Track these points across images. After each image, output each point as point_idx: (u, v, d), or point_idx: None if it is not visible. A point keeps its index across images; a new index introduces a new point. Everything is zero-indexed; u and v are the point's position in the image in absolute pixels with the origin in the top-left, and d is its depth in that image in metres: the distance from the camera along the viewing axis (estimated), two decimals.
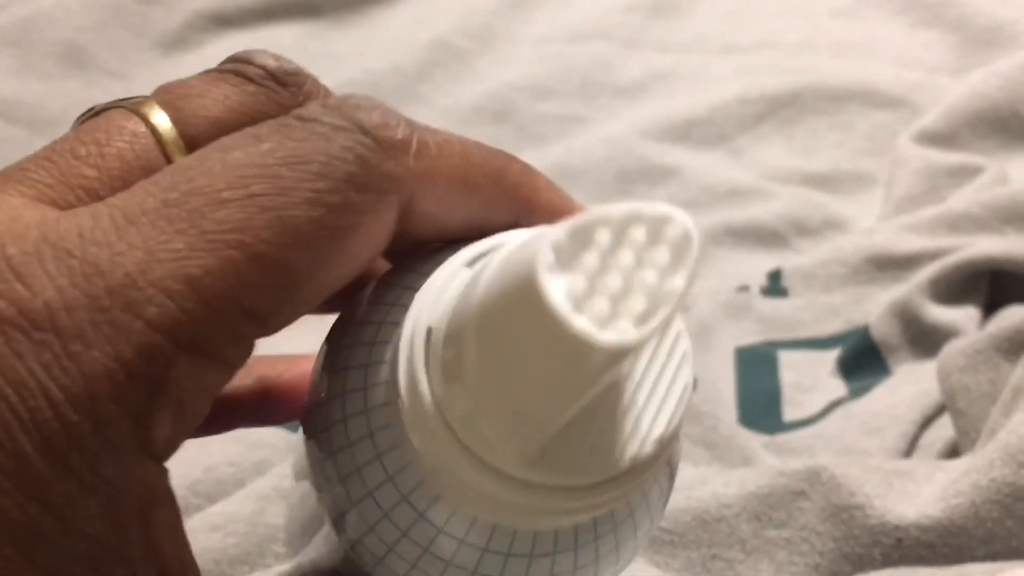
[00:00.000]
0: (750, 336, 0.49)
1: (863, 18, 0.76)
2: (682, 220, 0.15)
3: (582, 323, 0.14)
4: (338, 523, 0.20)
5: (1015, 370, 0.34)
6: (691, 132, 0.67)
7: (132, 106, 0.19)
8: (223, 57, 0.20)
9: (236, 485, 0.36)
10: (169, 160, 0.19)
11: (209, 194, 0.16)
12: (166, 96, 0.19)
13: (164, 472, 0.17)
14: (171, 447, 0.17)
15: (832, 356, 0.47)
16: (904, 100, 0.68)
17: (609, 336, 0.14)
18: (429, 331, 0.17)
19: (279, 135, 0.17)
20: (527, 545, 0.18)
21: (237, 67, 0.20)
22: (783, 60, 0.72)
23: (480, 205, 0.19)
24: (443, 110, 0.67)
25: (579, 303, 0.15)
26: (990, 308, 0.47)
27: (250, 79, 0.20)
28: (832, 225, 0.61)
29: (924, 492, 0.32)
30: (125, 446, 0.16)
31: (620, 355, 0.15)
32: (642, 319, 0.15)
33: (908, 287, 0.47)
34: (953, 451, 0.39)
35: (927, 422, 0.40)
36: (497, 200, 0.20)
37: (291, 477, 0.34)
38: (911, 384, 0.42)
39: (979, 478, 0.31)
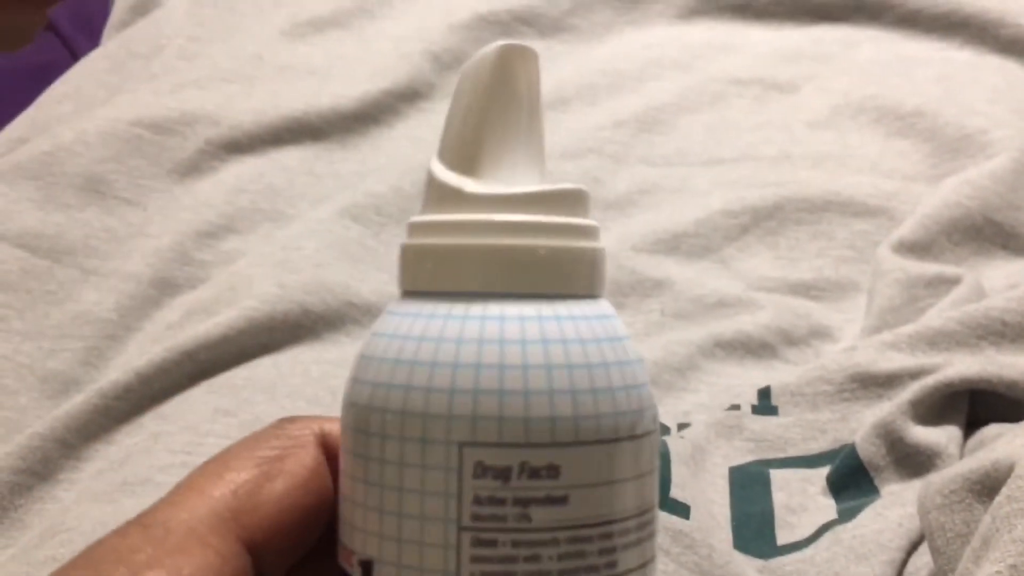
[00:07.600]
0: (743, 455, 0.51)
1: (838, 129, 0.79)
2: None
3: None
4: None
5: (984, 517, 0.36)
6: (679, 244, 0.70)
7: None
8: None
9: None
10: None
11: None
12: None
13: None
14: None
15: (821, 474, 0.50)
16: (882, 208, 0.71)
17: None
18: None
19: None
20: None
21: None
22: (763, 172, 0.76)
23: None
24: None
25: None
26: (973, 424, 0.50)
27: None
28: (818, 334, 0.64)
29: None
30: None
31: None
32: None
33: (891, 408, 0.50)
34: None
35: (913, 548, 0.42)
36: None
37: None
38: (897, 508, 0.45)
39: None
